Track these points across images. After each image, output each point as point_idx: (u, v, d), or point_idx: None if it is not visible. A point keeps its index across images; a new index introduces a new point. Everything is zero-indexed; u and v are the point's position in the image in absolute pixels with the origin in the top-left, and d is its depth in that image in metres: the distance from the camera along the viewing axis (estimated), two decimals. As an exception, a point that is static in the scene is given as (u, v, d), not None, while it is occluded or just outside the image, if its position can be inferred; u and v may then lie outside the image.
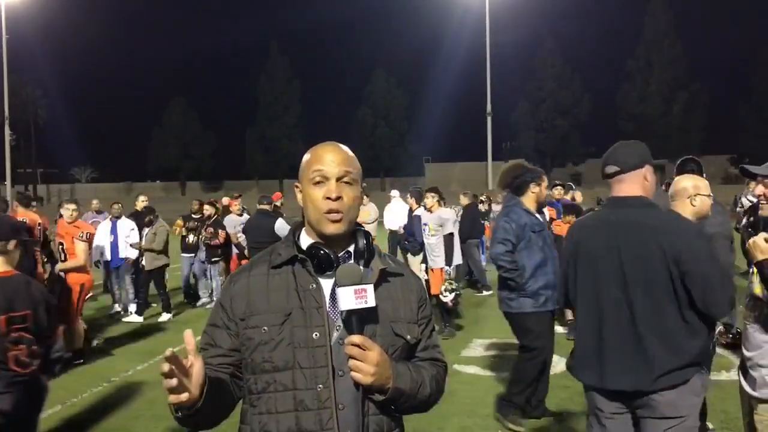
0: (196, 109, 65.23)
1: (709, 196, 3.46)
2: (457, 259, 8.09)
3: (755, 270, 2.59)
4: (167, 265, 9.35)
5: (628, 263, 2.52)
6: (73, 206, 7.21)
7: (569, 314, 6.50)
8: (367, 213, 12.11)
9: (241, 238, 9.39)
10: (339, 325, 1.54)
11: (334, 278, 1.54)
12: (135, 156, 69.02)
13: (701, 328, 2.51)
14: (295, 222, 1.75)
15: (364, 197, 11.61)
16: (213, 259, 10.16)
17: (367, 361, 1.47)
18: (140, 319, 9.06)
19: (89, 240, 7.06)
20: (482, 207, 14.06)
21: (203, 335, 1.64)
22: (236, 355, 1.60)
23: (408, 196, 9.71)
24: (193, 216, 10.57)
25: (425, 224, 7.84)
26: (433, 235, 7.73)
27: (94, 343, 7.73)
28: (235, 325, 1.59)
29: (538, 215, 4.77)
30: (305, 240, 1.64)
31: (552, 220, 8.57)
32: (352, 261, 1.60)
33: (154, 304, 9.65)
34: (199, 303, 10.36)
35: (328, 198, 1.55)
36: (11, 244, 3.24)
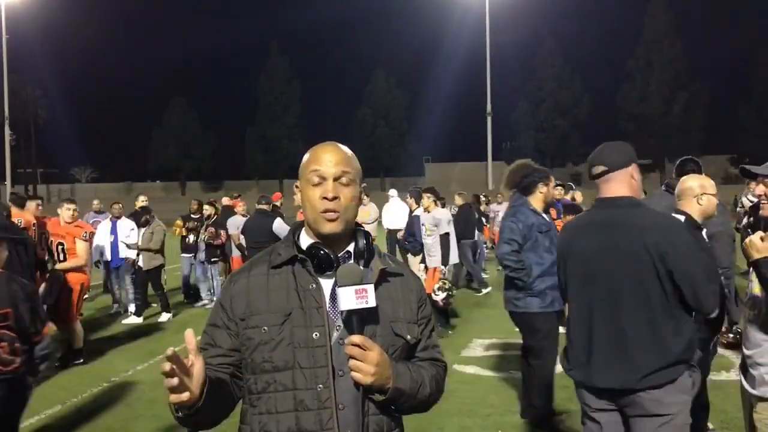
0: (196, 109, 65.35)
1: (715, 195, 3.49)
2: (454, 258, 8.13)
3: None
4: (163, 265, 9.35)
5: (617, 262, 2.55)
6: (73, 206, 7.21)
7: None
8: (367, 213, 12.13)
9: (243, 239, 9.40)
10: (339, 325, 1.54)
11: (334, 278, 1.54)
12: (135, 156, 69.13)
13: (688, 326, 2.54)
14: (294, 222, 1.75)
15: (365, 197, 11.67)
16: (212, 259, 10.19)
17: (367, 361, 1.47)
18: (140, 319, 9.06)
19: (90, 240, 7.06)
20: (484, 207, 14.11)
21: (203, 335, 1.64)
22: (236, 355, 1.60)
23: (407, 196, 9.73)
24: (192, 216, 10.59)
25: (423, 224, 7.92)
26: (429, 235, 7.82)
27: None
28: (235, 325, 1.59)
29: (544, 215, 4.75)
30: (305, 240, 1.64)
31: (552, 220, 8.59)
32: (352, 261, 1.61)
33: (154, 305, 9.65)
34: (199, 303, 10.36)
35: (325, 198, 1.56)
36: None
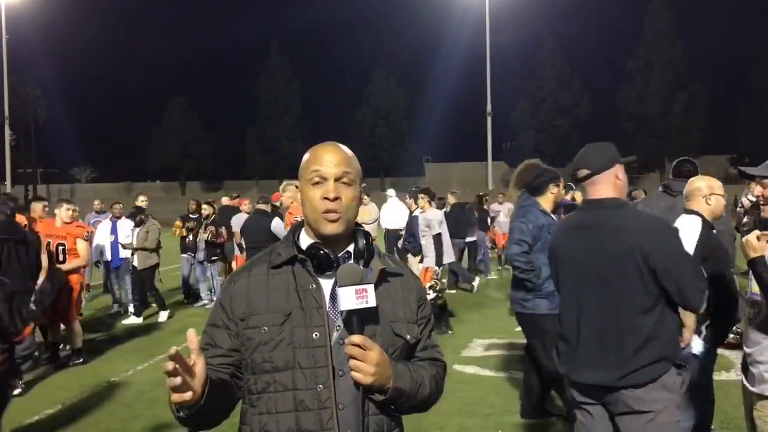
0: (196, 109, 65.23)
1: (723, 195, 3.51)
2: (448, 258, 8.18)
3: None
4: (158, 265, 9.35)
5: (603, 263, 2.59)
6: (72, 206, 7.19)
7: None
8: (368, 213, 12.14)
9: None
10: (339, 325, 1.54)
11: (333, 278, 1.55)
12: (135, 156, 69.04)
13: (671, 325, 2.56)
14: (295, 222, 1.76)
15: (365, 197, 11.67)
16: (212, 258, 10.22)
17: (367, 361, 1.47)
18: (139, 319, 9.06)
19: (90, 240, 7.05)
20: (488, 207, 14.08)
21: (203, 335, 1.64)
22: (236, 355, 1.59)
23: (407, 196, 9.77)
24: (191, 216, 10.62)
25: (419, 225, 8.00)
26: (423, 235, 7.89)
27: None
28: (235, 325, 1.59)
29: (553, 216, 4.73)
30: (305, 240, 1.64)
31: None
32: (351, 261, 1.61)
33: (154, 305, 9.66)
34: (199, 303, 10.37)
35: (326, 198, 1.56)
36: None
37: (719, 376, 5.41)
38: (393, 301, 1.62)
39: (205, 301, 10.29)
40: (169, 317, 9.34)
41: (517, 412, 4.89)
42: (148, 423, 4.98)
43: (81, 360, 6.85)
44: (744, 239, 2.69)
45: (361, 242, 1.63)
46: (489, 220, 13.70)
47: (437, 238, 7.75)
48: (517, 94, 57.71)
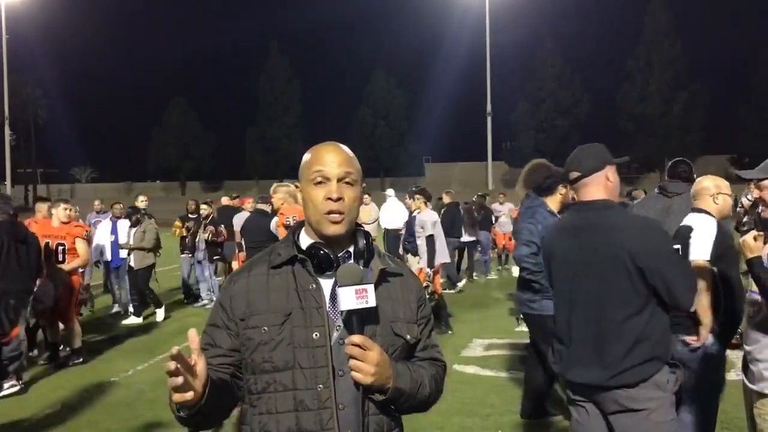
0: (196, 109, 65.18)
1: (730, 195, 3.53)
2: (442, 259, 8.18)
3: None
4: (155, 264, 9.35)
5: (594, 263, 2.61)
6: (69, 206, 7.17)
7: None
8: (368, 213, 12.16)
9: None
10: (339, 325, 1.54)
11: (333, 278, 1.55)
12: (135, 156, 68.97)
13: (661, 324, 2.58)
14: (295, 222, 1.76)
15: (366, 196, 11.67)
16: (214, 258, 10.25)
17: (367, 361, 1.47)
18: (139, 319, 9.07)
19: (90, 239, 7.04)
20: (495, 206, 14.04)
21: (203, 335, 1.63)
22: (236, 355, 1.59)
23: (407, 196, 9.77)
24: (189, 216, 10.65)
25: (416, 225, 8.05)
26: (417, 236, 7.94)
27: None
28: (235, 325, 1.59)
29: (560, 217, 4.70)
30: (305, 240, 1.64)
31: None
32: (351, 261, 1.61)
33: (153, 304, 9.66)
34: (199, 303, 10.38)
35: (329, 199, 1.56)
36: None
37: (719, 376, 5.41)
38: (393, 301, 1.62)
39: (205, 301, 10.30)
40: (170, 317, 9.34)
41: (517, 412, 4.89)
42: (148, 423, 4.98)
43: (80, 360, 6.85)
44: (741, 240, 2.73)
45: (361, 242, 1.63)
46: (493, 219, 13.60)
47: (429, 240, 7.77)
48: (517, 94, 57.72)
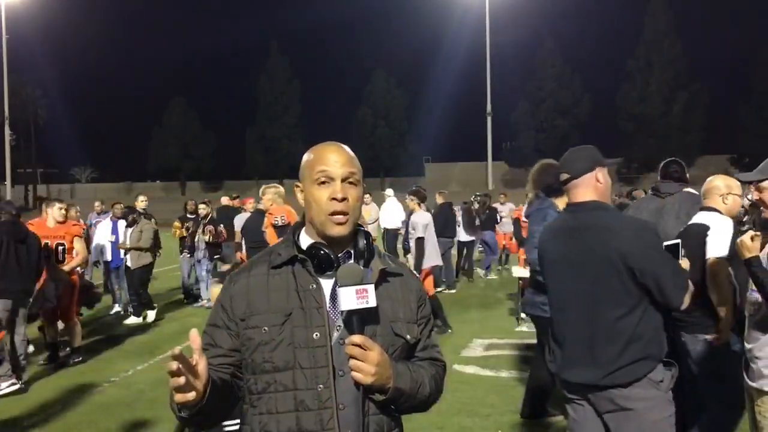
0: (196, 109, 65.16)
1: (740, 195, 3.55)
2: (431, 262, 8.03)
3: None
4: (152, 264, 9.35)
5: (586, 264, 2.63)
6: (64, 205, 7.14)
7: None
8: (368, 213, 12.16)
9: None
10: (339, 325, 1.54)
11: (334, 278, 1.55)
12: (135, 156, 68.89)
13: (654, 323, 2.59)
14: (294, 222, 1.76)
15: (367, 196, 11.68)
16: (214, 257, 10.27)
17: (367, 361, 1.47)
18: (139, 319, 9.07)
19: (89, 238, 7.04)
20: (499, 206, 14.00)
21: (203, 335, 1.63)
22: (237, 355, 1.59)
23: (407, 196, 9.76)
24: (188, 216, 10.66)
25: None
26: (410, 237, 7.94)
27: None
28: (235, 326, 1.59)
29: None
30: (305, 240, 1.64)
31: None
32: (352, 261, 1.61)
33: (155, 304, 9.66)
34: (199, 303, 10.38)
35: (334, 199, 1.56)
36: None
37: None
38: (393, 301, 1.62)
39: (205, 301, 10.29)
40: (170, 318, 9.34)
41: (517, 412, 4.89)
42: (148, 423, 4.99)
43: (80, 358, 6.85)
44: (738, 240, 2.76)
45: (362, 242, 1.63)
46: (498, 218, 13.53)
47: (419, 242, 7.76)
48: (517, 94, 57.69)
